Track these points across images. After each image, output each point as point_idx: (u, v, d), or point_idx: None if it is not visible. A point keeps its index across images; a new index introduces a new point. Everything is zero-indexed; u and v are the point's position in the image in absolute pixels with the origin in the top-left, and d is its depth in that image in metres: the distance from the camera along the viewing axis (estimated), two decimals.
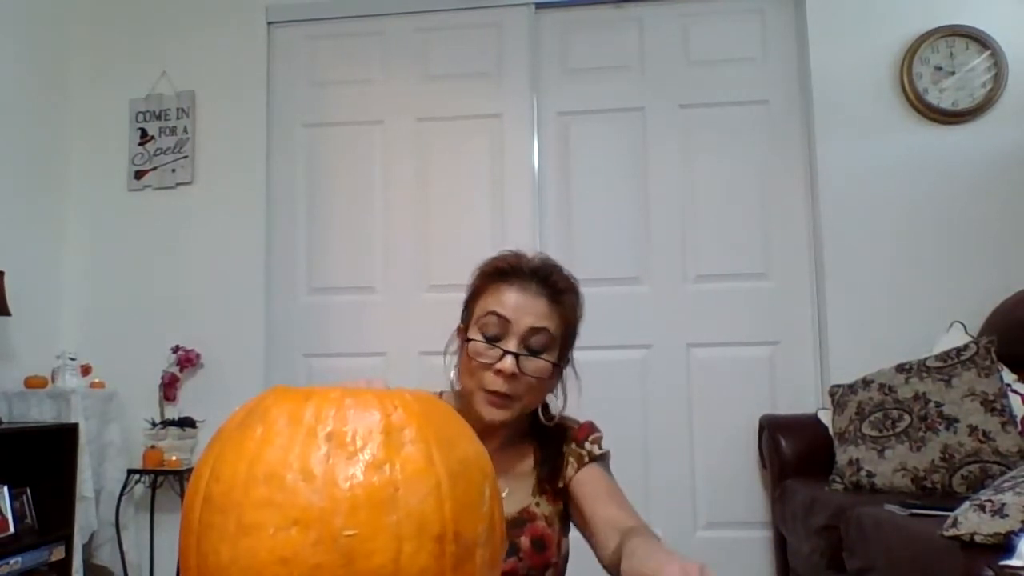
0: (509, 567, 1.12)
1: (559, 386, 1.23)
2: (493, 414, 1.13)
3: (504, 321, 1.14)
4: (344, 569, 0.63)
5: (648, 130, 2.98)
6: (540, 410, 1.21)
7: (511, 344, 1.13)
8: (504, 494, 1.09)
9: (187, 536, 0.70)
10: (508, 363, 1.12)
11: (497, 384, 1.12)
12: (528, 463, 1.21)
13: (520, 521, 1.16)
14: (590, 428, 1.25)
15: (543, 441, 1.22)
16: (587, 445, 1.21)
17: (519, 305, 1.14)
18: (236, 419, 0.74)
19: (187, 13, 3.16)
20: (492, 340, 1.14)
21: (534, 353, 1.14)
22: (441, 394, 1.24)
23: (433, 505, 0.66)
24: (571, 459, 1.20)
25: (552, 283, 1.17)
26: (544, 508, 1.18)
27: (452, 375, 1.22)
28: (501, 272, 1.18)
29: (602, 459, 1.22)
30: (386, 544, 0.64)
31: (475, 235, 2.96)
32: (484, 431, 1.13)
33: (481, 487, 0.72)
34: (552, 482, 1.19)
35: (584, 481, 1.17)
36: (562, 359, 1.19)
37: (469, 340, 1.16)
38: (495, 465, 0.79)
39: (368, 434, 0.68)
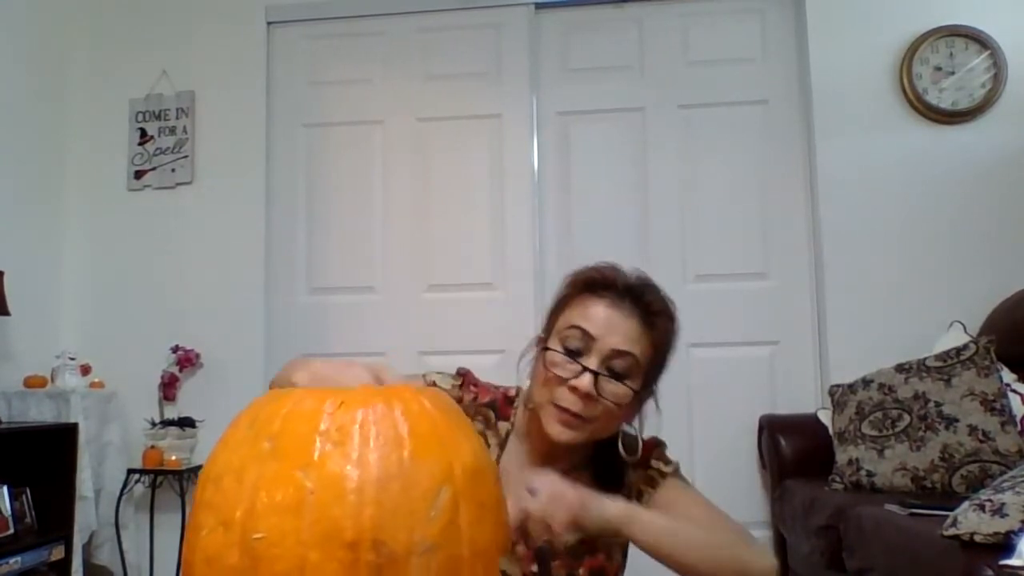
0: None
1: (636, 419, 1.12)
2: (560, 433, 1.04)
3: (588, 337, 1.05)
4: (252, 573, 0.62)
5: (648, 130, 2.97)
6: (620, 443, 1.11)
7: (592, 362, 1.04)
8: None
9: None
10: (585, 381, 1.03)
11: (570, 401, 1.03)
12: None
13: (579, 552, 1.08)
14: (652, 445, 1.14)
15: (599, 469, 1.12)
16: (653, 463, 1.13)
17: (607, 322, 1.05)
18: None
19: (187, 13, 3.16)
20: (573, 354, 1.05)
21: (616, 376, 1.04)
22: (517, 393, 1.19)
23: (348, 511, 0.63)
24: (643, 487, 1.11)
25: (646, 303, 1.08)
26: (604, 539, 1.08)
27: (525, 386, 1.14)
28: (592, 284, 1.09)
29: (674, 474, 1.13)
30: (290, 550, 0.62)
31: (475, 235, 2.96)
32: (550, 452, 1.07)
33: (432, 490, 0.66)
34: None
35: (662, 504, 1.08)
36: (645, 388, 1.09)
37: (547, 349, 1.08)
38: None
39: (303, 436, 0.66)
